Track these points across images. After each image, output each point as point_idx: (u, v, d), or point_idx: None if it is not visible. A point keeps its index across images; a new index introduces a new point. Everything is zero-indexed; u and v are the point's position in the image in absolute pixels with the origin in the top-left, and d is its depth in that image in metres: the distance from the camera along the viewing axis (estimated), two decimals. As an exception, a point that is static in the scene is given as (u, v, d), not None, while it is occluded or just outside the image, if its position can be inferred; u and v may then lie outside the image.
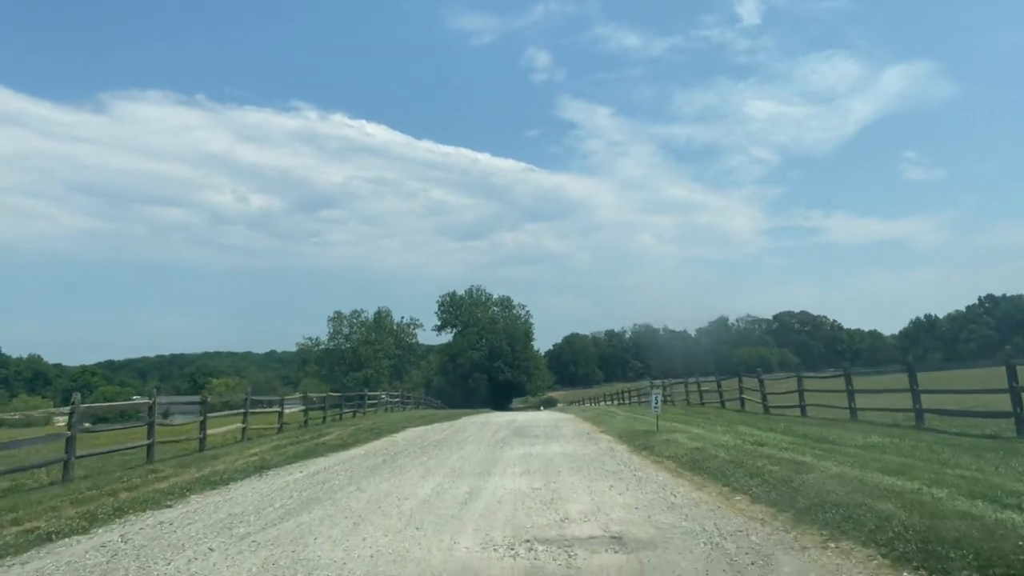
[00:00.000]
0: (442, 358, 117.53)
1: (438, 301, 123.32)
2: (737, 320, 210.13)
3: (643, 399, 46.26)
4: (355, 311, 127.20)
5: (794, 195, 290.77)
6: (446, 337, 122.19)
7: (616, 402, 54.93)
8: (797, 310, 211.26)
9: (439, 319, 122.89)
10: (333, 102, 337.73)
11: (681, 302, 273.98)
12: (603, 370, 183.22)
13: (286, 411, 27.53)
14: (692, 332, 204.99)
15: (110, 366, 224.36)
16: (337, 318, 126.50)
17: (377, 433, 21.59)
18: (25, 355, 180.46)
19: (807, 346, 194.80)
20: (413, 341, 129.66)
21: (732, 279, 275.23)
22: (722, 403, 28.04)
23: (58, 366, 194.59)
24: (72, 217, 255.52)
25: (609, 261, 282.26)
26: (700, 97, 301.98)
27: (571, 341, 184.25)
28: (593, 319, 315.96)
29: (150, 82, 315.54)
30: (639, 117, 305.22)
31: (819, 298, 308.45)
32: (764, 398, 23.53)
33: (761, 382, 23.75)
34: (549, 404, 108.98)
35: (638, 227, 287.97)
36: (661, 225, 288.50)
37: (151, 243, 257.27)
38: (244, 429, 21.27)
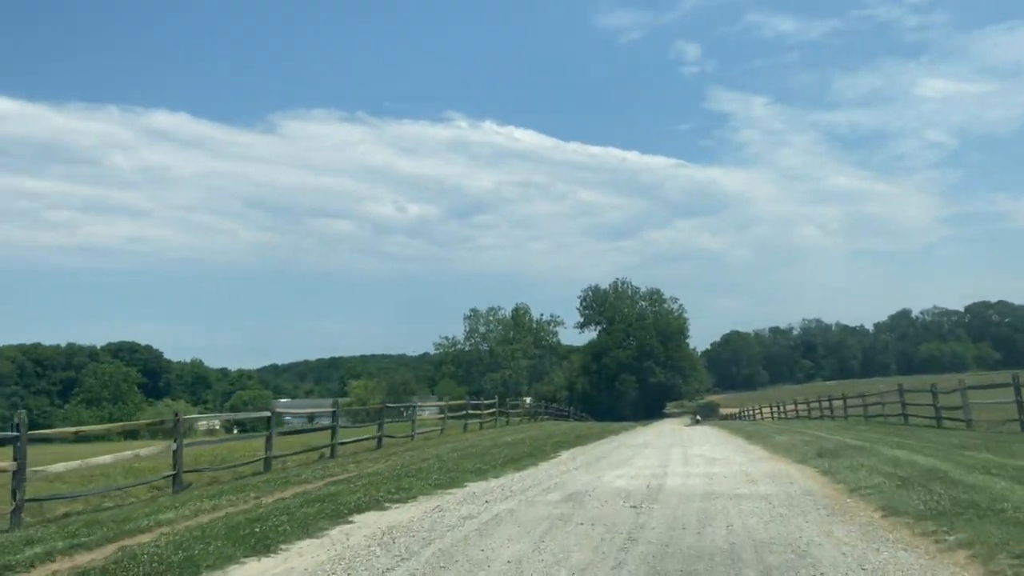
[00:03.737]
0: (585, 358, 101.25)
1: (580, 296, 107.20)
2: (922, 313, 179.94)
3: (906, 413, 28.05)
4: (491, 308, 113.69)
5: (975, 179, 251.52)
6: (589, 335, 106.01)
7: (816, 413, 36.75)
8: (994, 300, 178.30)
9: (581, 315, 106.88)
10: (483, 110, 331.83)
11: (853, 296, 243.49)
12: (768, 371, 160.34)
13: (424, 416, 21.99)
14: (869, 327, 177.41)
15: (273, 369, 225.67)
16: (473, 316, 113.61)
17: (309, 527, 6.07)
18: (188, 360, 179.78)
19: (1009, 339, 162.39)
20: (554, 340, 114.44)
21: (909, 270, 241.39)
22: None
23: (223, 370, 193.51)
24: (249, 232, 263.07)
25: (769, 256, 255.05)
26: (864, 80, 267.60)
27: (730, 340, 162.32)
28: (753, 318, 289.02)
29: (315, 101, 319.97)
30: (797, 104, 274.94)
31: (1013, 288, 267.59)
32: None
33: None
34: (708, 412, 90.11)
35: (800, 219, 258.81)
36: (825, 216, 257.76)
37: (319, 253, 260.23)
38: None
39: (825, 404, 35.37)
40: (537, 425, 33.20)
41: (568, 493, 9.45)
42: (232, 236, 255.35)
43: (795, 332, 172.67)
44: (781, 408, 47.00)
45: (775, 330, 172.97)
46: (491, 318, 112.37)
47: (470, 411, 26.59)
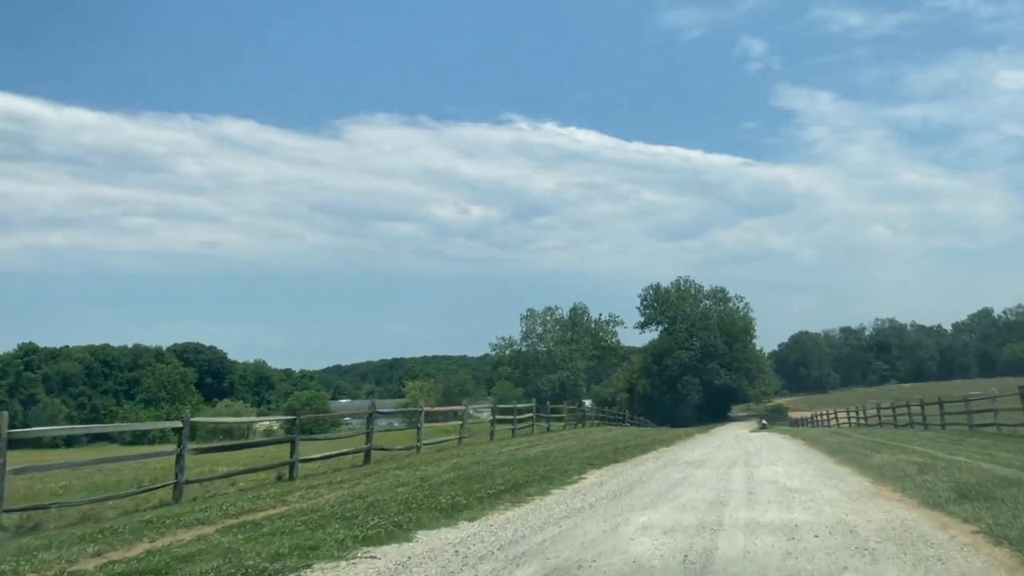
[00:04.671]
0: (646, 359, 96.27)
1: (640, 295, 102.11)
2: (1005, 312, 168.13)
3: None
4: (548, 308, 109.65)
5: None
6: (650, 335, 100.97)
7: (903, 419, 31.56)
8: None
9: (642, 315, 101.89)
10: (543, 112, 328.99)
11: (928, 295, 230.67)
12: (839, 373, 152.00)
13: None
14: (947, 327, 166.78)
15: (336, 370, 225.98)
16: (530, 316, 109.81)
17: None
18: (252, 360, 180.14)
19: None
20: (613, 341, 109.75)
21: (987, 269, 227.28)
22: None
23: (286, 371, 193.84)
24: (316, 235, 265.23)
25: (838, 255, 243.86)
26: (936, 73, 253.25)
27: (799, 340, 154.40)
28: (823, 318, 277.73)
29: (377, 106, 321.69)
30: (866, 100, 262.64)
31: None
32: None
33: None
34: (776, 416, 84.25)
35: (870, 218, 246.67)
36: (896, 214, 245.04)
37: (383, 256, 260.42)
38: None
39: (915, 409, 30.22)
40: (580, 432, 29.19)
41: (548, 570, 5.52)
42: (298, 240, 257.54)
43: (867, 332, 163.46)
44: (861, 413, 41.72)
45: (846, 330, 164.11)
46: (548, 318, 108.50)
47: (498, 417, 22.79)
